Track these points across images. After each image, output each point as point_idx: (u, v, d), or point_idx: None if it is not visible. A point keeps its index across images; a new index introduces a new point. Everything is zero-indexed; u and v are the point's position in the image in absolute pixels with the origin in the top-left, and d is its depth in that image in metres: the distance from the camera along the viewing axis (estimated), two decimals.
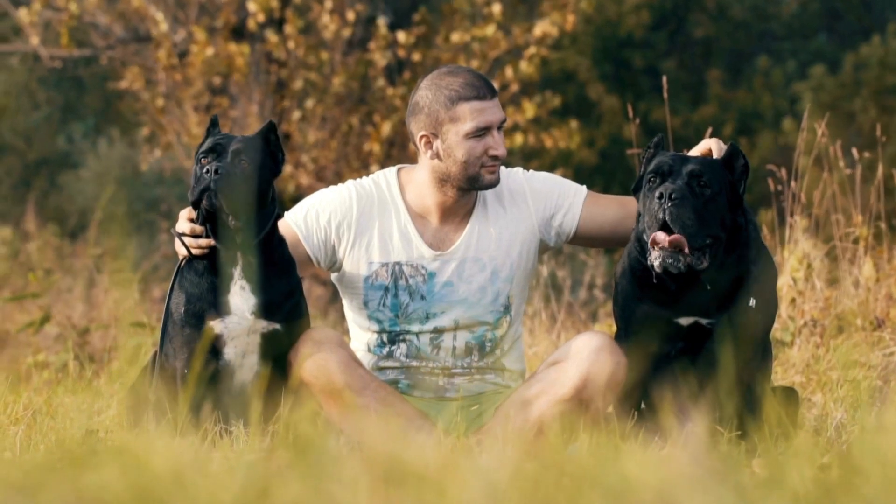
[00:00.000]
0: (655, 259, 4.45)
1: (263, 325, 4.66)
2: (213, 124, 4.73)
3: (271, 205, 4.68)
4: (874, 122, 18.70)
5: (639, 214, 4.59)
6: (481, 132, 4.82)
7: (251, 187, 4.58)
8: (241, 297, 4.64)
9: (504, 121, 4.87)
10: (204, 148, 4.62)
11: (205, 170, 4.54)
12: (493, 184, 4.87)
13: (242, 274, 4.64)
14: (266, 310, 4.65)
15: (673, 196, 4.41)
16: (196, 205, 4.59)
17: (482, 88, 4.82)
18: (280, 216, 4.75)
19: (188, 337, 4.64)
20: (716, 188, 4.48)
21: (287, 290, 4.71)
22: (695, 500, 2.00)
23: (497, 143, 4.82)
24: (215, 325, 4.62)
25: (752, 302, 4.56)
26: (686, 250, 4.41)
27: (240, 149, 4.59)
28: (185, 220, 4.68)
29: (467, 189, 4.88)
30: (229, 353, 4.66)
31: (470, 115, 4.82)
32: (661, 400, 4.52)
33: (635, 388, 4.62)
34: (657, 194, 4.44)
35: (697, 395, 4.49)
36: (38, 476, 2.28)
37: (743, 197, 4.56)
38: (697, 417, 4.38)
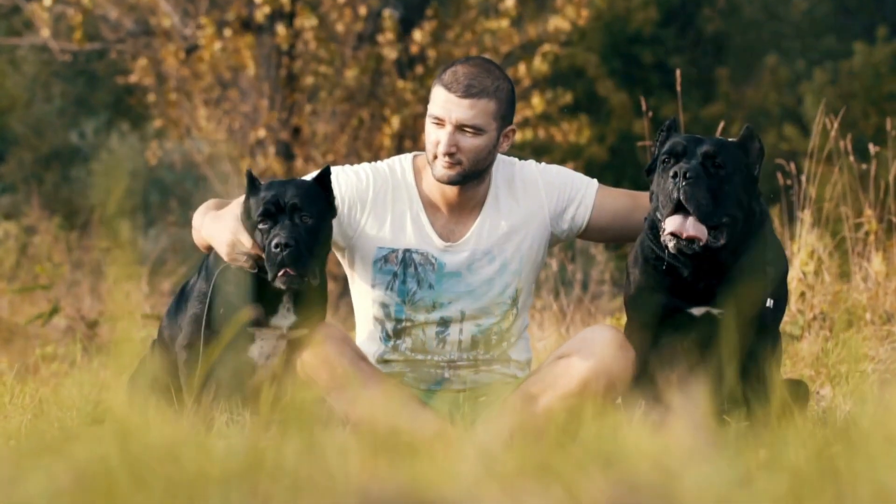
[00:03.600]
0: (669, 241, 4.42)
1: (294, 333, 4.69)
2: (251, 180, 4.68)
3: (328, 246, 4.73)
4: (877, 126, 18.72)
5: (652, 193, 4.56)
6: (436, 121, 4.82)
7: (316, 240, 4.60)
8: (283, 318, 4.67)
9: (464, 125, 4.79)
10: (260, 210, 4.57)
11: (273, 244, 4.50)
12: (443, 179, 4.84)
13: (291, 302, 4.65)
14: (301, 324, 4.68)
15: (687, 175, 4.38)
16: (274, 279, 4.54)
17: (457, 84, 4.78)
18: (329, 249, 4.76)
19: (218, 337, 4.65)
20: (730, 168, 4.45)
21: (317, 299, 4.74)
22: (691, 469, 2.00)
23: (442, 141, 4.80)
24: (250, 329, 4.65)
25: (770, 302, 4.55)
26: (702, 242, 4.39)
27: (297, 204, 4.57)
28: (244, 250, 4.65)
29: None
30: (254, 352, 4.69)
31: (434, 99, 4.84)
32: (667, 383, 4.51)
33: (646, 377, 4.61)
34: (671, 173, 4.41)
35: (706, 382, 4.48)
36: (33, 453, 2.29)
37: (758, 179, 4.54)
38: (697, 392, 4.37)
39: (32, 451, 2.37)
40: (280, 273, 4.51)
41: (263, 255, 4.55)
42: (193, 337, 4.66)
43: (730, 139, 4.64)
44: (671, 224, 4.41)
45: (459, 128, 4.78)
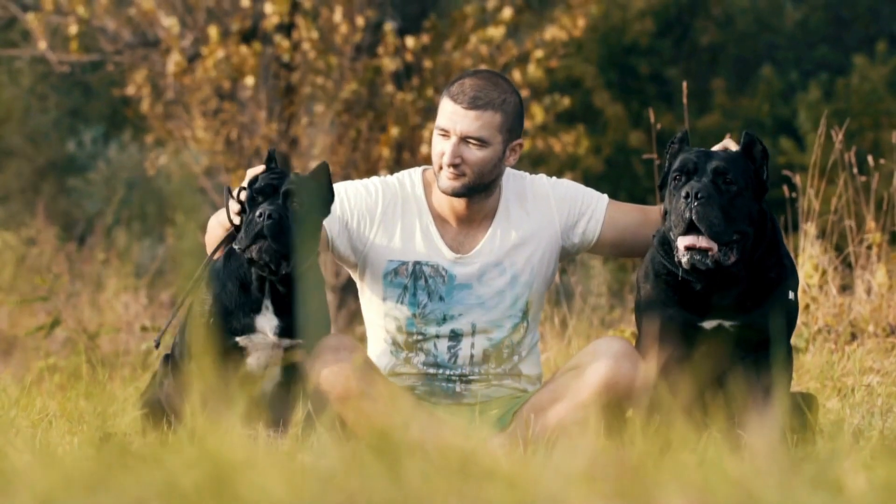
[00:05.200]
0: (683, 256, 4.44)
1: (287, 342, 4.69)
2: (270, 159, 4.73)
3: (315, 245, 4.73)
4: (874, 140, 18.77)
5: (665, 212, 4.58)
6: (442, 132, 4.83)
7: (301, 230, 4.60)
8: (265, 318, 4.67)
9: (469, 137, 4.80)
10: (257, 187, 4.63)
11: (257, 213, 4.56)
12: (447, 191, 4.85)
13: (270, 296, 4.66)
14: (289, 330, 4.68)
15: (699, 195, 4.41)
16: (246, 248, 4.58)
17: (463, 95, 4.80)
18: (315, 249, 4.75)
19: (212, 347, 4.65)
20: (741, 183, 4.48)
21: (312, 309, 4.73)
22: (775, 493, 1.99)
23: (447, 152, 4.81)
24: (241, 340, 4.66)
25: (791, 295, 4.58)
26: (714, 256, 4.42)
27: (292, 189, 4.60)
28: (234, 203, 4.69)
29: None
30: (251, 363, 4.69)
31: (441, 110, 4.85)
32: (711, 403, 4.52)
33: (666, 390, 4.60)
34: (683, 193, 4.43)
35: (740, 399, 4.50)
36: (105, 471, 2.27)
37: (767, 183, 4.57)
38: (765, 416, 4.38)
39: (100, 464, 2.36)
40: (254, 243, 4.54)
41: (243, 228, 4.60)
42: (194, 349, 4.68)
43: (734, 150, 4.65)
44: (684, 242, 4.44)
45: (464, 139, 4.79)
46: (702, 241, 4.42)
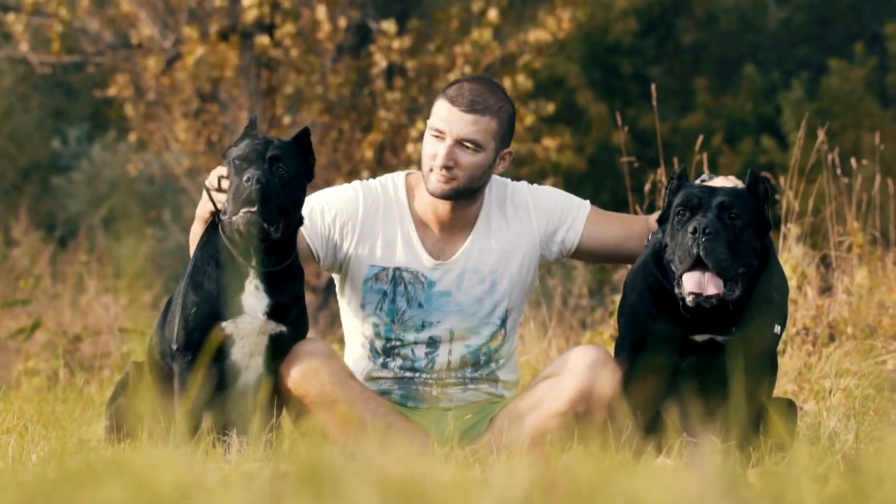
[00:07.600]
0: (688, 296, 4.42)
1: (273, 327, 4.64)
2: (252, 126, 4.71)
3: (299, 209, 4.69)
4: (854, 141, 18.83)
5: (665, 246, 4.55)
6: (436, 133, 4.82)
7: (287, 195, 4.58)
8: (255, 297, 4.62)
9: (464, 140, 4.78)
10: (240, 153, 4.59)
11: (245, 178, 4.51)
12: (436, 193, 4.83)
13: (256, 273, 4.62)
14: (277, 312, 4.64)
15: (707, 231, 4.38)
16: (234, 214, 4.52)
17: (462, 98, 4.79)
18: (301, 222, 4.72)
19: (197, 338, 4.60)
20: (746, 219, 4.46)
21: (296, 295, 4.70)
22: None
23: (440, 154, 4.79)
24: (227, 326, 4.60)
25: (778, 328, 4.57)
26: (721, 293, 4.40)
27: (277, 155, 4.57)
28: (215, 177, 4.63)
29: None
30: (236, 353, 4.64)
31: (436, 111, 4.84)
32: (668, 415, 4.51)
33: (644, 402, 4.59)
34: (690, 229, 4.41)
35: (707, 411, 4.49)
36: (37, 493, 2.25)
37: (770, 222, 4.56)
38: (704, 434, 4.38)
39: (33, 483, 2.33)
40: (242, 209, 4.48)
41: (230, 196, 4.54)
42: (180, 340, 4.62)
43: (739, 186, 4.63)
44: (690, 282, 4.41)
45: (459, 142, 4.78)
46: (709, 288, 4.40)
